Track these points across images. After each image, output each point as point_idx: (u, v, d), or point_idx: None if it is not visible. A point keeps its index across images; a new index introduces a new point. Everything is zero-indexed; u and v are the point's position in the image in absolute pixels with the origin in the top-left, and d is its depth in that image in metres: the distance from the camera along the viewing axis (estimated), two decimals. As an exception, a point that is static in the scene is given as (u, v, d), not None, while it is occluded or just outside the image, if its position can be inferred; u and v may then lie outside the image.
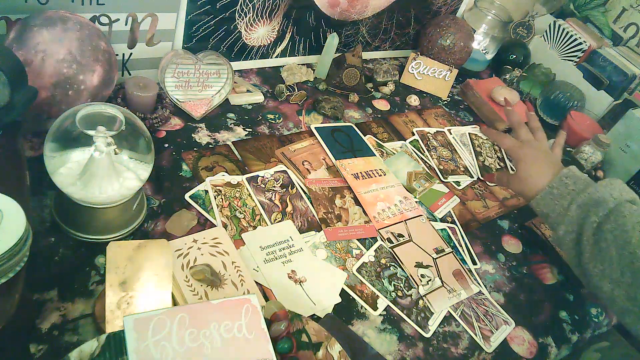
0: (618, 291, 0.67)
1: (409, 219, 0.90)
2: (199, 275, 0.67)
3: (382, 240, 0.85)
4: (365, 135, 1.04)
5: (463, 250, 0.90)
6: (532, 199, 0.80)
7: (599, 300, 0.73)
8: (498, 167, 1.13)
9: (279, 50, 1.11)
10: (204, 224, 0.76)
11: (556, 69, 1.42)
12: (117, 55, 0.84)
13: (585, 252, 0.71)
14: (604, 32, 1.59)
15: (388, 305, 0.76)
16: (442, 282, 0.82)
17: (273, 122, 1.00)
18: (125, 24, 0.83)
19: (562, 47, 1.52)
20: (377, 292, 0.77)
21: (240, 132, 0.94)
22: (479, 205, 1.01)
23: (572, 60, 1.49)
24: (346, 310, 0.73)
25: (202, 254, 0.70)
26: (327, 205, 0.86)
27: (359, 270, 0.79)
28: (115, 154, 0.62)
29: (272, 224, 0.80)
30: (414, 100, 1.22)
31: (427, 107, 1.24)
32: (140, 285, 0.57)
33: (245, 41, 1.04)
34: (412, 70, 1.26)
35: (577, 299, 0.91)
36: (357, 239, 0.83)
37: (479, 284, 0.85)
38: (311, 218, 0.84)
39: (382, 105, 1.18)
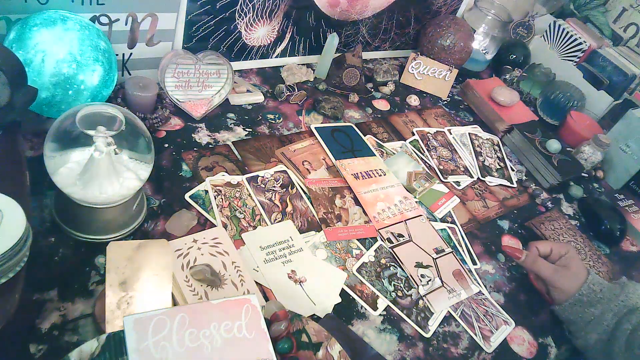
0: None
1: (409, 219, 0.90)
2: (199, 275, 0.67)
3: (382, 240, 0.85)
4: (365, 135, 1.04)
5: (463, 250, 0.90)
6: (561, 303, 0.80)
7: None
8: (498, 167, 1.13)
9: (279, 50, 1.11)
10: (204, 224, 0.76)
11: (556, 69, 1.42)
12: (117, 55, 0.84)
13: (618, 358, 0.72)
14: (604, 32, 1.59)
15: (388, 305, 0.76)
16: (442, 282, 0.82)
17: (273, 122, 1.00)
18: (125, 24, 0.83)
19: (562, 47, 1.52)
20: (377, 292, 0.77)
21: (240, 132, 0.94)
22: (479, 205, 1.01)
23: (572, 60, 1.49)
24: (346, 310, 0.73)
25: (202, 254, 0.70)
26: (327, 205, 0.86)
27: (359, 270, 0.79)
28: (115, 154, 0.62)
29: (272, 224, 0.80)
30: (414, 100, 1.22)
31: (427, 107, 1.24)
32: (140, 285, 0.58)
33: (245, 41, 1.04)
34: (412, 70, 1.26)
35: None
36: (357, 239, 0.83)
37: (479, 284, 0.85)
38: (311, 218, 0.84)
39: (382, 105, 1.18)
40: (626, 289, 0.77)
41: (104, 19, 0.80)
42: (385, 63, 1.27)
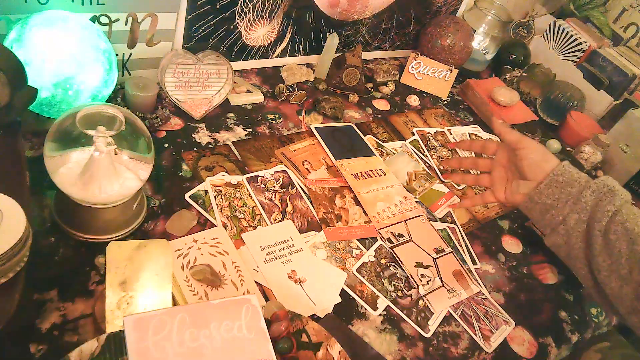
0: (626, 289, 0.63)
1: (409, 219, 0.90)
2: (199, 275, 0.67)
3: (382, 240, 0.85)
4: (365, 135, 1.04)
5: (463, 250, 0.90)
6: (532, 191, 0.71)
7: (604, 298, 0.68)
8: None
9: (279, 50, 1.11)
10: (204, 224, 0.76)
11: (556, 69, 1.42)
12: (117, 55, 0.84)
13: (595, 243, 0.66)
14: (604, 32, 1.59)
15: (388, 305, 0.76)
16: (442, 282, 0.82)
17: (273, 122, 1.00)
18: (125, 24, 0.83)
19: (562, 47, 1.52)
20: (377, 292, 0.77)
21: (240, 132, 0.94)
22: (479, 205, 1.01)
23: (572, 60, 1.49)
24: (346, 310, 0.73)
25: (202, 254, 0.70)
26: (327, 205, 0.86)
27: (359, 270, 0.79)
28: (115, 154, 0.62)
29: (272, 224, 0.80)
30: (414, 100, 1.22)
31: (427, 107, 1.24)
32: (140, 285, 0.58)
33: (245, 41, 1.04)
34: (412, 70, 1.26)
35: (577, 299, 0.91)
36: (357, 239, 0.83)
37: (479, 284, 0.85)
38: (311, 218, 0.84)
39: (382, 105, 1.18)
40: (604, 177, 0.70)
41: (104, 19, 0.80)
42: (385, 63, 1.27)
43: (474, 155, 1.07)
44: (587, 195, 0.68)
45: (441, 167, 1.05)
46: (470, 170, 0.95)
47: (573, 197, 0.68)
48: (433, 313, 0.78)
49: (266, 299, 0.70)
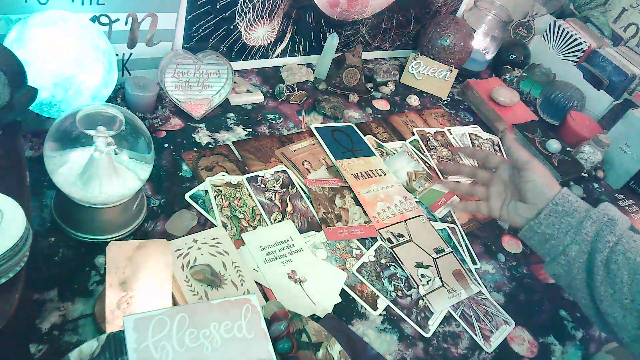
0: (629, 318, 0.63)
1: (409, 219, 0.90)
2: (199, 275, 0.67)
3: (382, 240, 0.85)
4: (365, 135, 1.04)
5: (463, 250, 0.90)
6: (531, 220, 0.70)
7: (607, 326, 0.68)
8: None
9: (279, 50, 1.11)
10: (204, 224, 0.76)
11: (556, 69, 1.42)
12: (117, 55, 0.84)
13: (597, 273, 0.65)
14: (604, 32, 1.59)
15: (388, 305, 0.76)
16: (442, 282, 0.82)
17: (273, 122, 1.00)
18: (125, 24, 0.83)
19: (562, 47, 1.52)
20: (377, 292, 0.77)
21: (240, 132, 0.94)
22: (479, 205, 1.01)
23: (572, 60, 1.49)
24: (346, 310, 0.73)
25: (202, 254, 0.70)
26: (327, 205, 0.86)
27: (359, 270, 0.79)
28: (115, 154, 0.62)
29: (272, 224, 0.80)
30: (414, 100, 1.22)
31: (427, 107, 1.24)
32: (140, 285, 0.57)
33: (245, 41, 1.04)
34: (412, 70, 1.26)
35: (577, 299, 0.91)
36: (357, 239, 0.83)
37: (479, 284, 0.85)
38: (311, 218, 0.84)
39: (382, 105, 1.18)
40: (602, 204, 0.69)
41: (104, 19, 0.80)
42: (385, 63, 1.28)
43: (474, 162, 1.04)
44: (587, 225, 0.66)
45: (441, 167, 1.05)
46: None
47: (573, 228, 0.67)
48: (433, 313, 0.78)
49: (266, 299, 0.70)
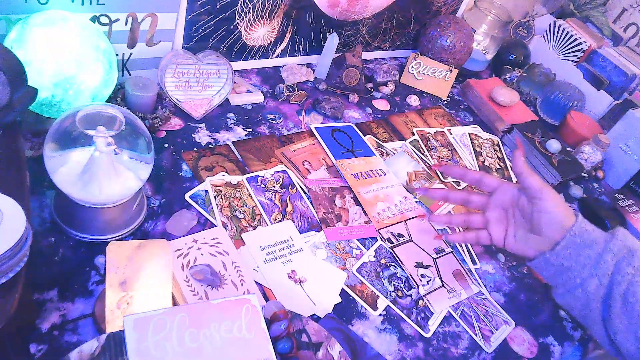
0: None
1: (409, 219, 0.90)
2: (199, 275, 0.67)
3: (382, 240, 0.85)
4: (365, 135, 1.04)
5: (463, 250, 0.90)
6: (546, 252, 0.67)
7: (621, 357, 0.66)
8: (498, 167, 1.13)
9: (279, 50, 1.11)
10: (204, 224, 0.76)
11: (556, 69, 1.42)
12: (117, 55, 0.84)
13: (614, 306, 0.63)
14: (604, 32, 1.59)
15: (388, 305, 0.76)
16: (442, 282, 0.82)
17: (273, 122, 1.00)
18: (125, 24, 0.83)
19: (562, 47, 1.52)
20: (377, 292, 0.77)
21: (240, 132, 0.94)
22: (479, 205, 1.01)
23: (572, 60, 1.49)
24: (346, 310, 0.73)
25: (202, 254, 0.70)
26: (327, 205, 0.86)
27: (359, 270, 0.79)
28: (115, 154, 0.62)
29: (272, 224, 0.80)
30: (414, 100, 1.22)
31: (427, 107, 1.24)
32: (140, 285, 0.58)
33: (245, 41, 1.04)
34: (412, 70, 1.26)
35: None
36: (357, 239, 0.83)
37: (479, 284, 0.85)
38: (311, 218, 0.84)
39: (382, 105, 1.17)
40: (619, 232, 0.66)
41: (104, 19, 0.80)
42: (385, 63, 1.27)
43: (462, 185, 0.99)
44: (608, 259, 0.64)
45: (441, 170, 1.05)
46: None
47: (592, 260, 0.64)
48: (433, 313, 0.78)
49: (266, 299, 0.70)
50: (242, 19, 0.99)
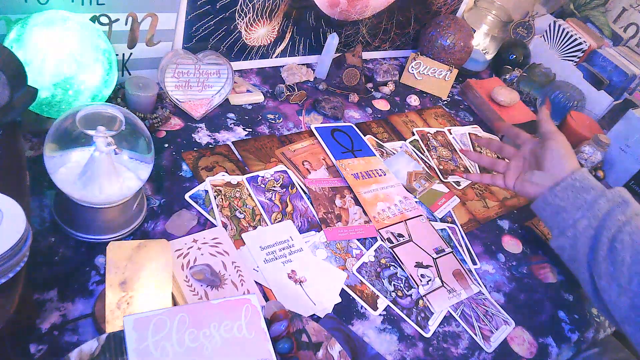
0: (624, 298, 0.64)
1: (409, 219, 0.90)
2: (199, 275, 0.67)
3: (382, 240, 0.85)
4: (365, 135, 1.04)
5: (463, 250, 0.90)
6: (548, 189, 0.73)
7: (602, 303, 0.68)
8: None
9: (279, 50, 1.11)
10: (204, 224, 0.76)
11: (556, 69, 1.42)
12: (117, 55, 0.84)
13: (601, 249, 0.67)
14: (604, 32, 1.59)
15: (388, 305, 0.76)
16: (442, 282, 0.82)
17: (273, 122, 1.00)
18: (125, 24, 0.83)
19: (562, 47, 1.52)
20: (377, 292, 0.77)
21: (240, 132, 0.94)
22: (479, 205, 1.01)
23: (572, 60, 1.49)
24: (346, 310, 0.73)
25: (202, 254, 0.70)
26: (327, 205, 0.86)
27: (359, 270, 0.79)
28: (115, 154, 0.62)
29: (272, 224, 0.80)
30: (414, 100, 1.22)
31: (427, 107, 1.24)
32: (140, 285, 0.58)
33: (245, 41, 1.04)
34: (412, 70, 1.26)
35: (577, 299, 0.91)
36: (357, 239, 0.83)
37: (479, 284, 0.85)
38: (311, 218, 0.84)
39: (382, 105, 1.18)
40: (621, 188, 0.72)
41: (104, 19, 0.80)
42: (385, 63, 1.27)
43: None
44: (601, 202, 0.69)
45: (441, 167, 1.05)
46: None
47: (587, 203, 0.69)
48: (433, 313, 0.78)
49: (266, 299, 0.70)
50: (242, 19, 0.99)
